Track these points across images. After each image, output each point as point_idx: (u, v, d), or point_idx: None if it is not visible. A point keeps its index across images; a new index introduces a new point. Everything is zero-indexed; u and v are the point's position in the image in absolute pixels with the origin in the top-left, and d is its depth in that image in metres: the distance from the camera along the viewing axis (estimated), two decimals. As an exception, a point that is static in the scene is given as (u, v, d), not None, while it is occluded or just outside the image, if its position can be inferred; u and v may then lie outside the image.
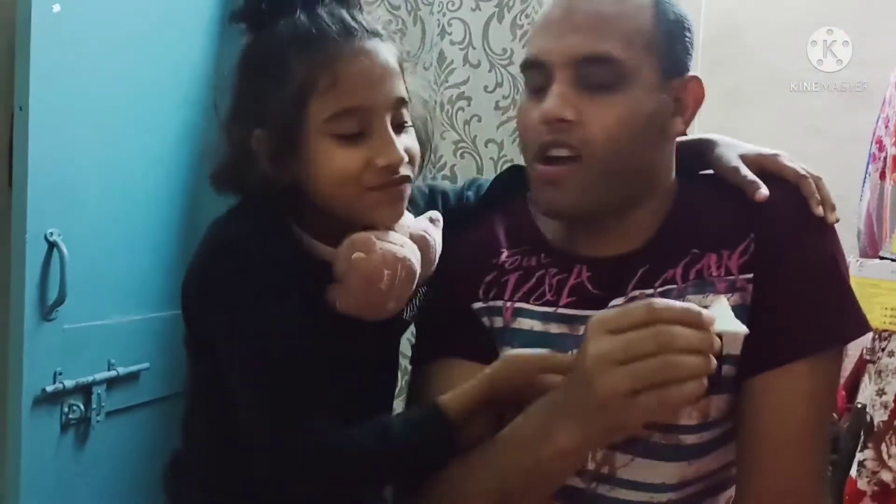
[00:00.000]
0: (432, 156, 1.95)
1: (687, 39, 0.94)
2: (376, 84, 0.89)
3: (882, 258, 1.26)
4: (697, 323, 0.72)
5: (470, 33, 1.94)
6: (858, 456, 1.23)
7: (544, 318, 0.95)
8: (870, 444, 1.22)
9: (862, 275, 1.27)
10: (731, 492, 0.97)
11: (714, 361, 0.72)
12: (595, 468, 0.93)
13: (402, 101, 0.92)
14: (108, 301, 1.68)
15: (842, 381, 1.81)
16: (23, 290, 1.49)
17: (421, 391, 0.99)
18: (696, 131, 2.07)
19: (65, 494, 1.61)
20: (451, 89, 1.94)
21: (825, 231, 0.91)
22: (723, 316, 0.77)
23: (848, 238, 1.61)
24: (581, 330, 0.91)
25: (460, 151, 1.94)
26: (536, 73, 0.92)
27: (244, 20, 0.94)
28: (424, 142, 0.99)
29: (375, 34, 0.92)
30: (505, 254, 1.00)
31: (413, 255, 0.93)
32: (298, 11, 0.90)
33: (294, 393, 0.87)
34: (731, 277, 0.90)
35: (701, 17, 2.05)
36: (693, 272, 0.91)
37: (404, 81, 0.94)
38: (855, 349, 1.62)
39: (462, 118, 1.94)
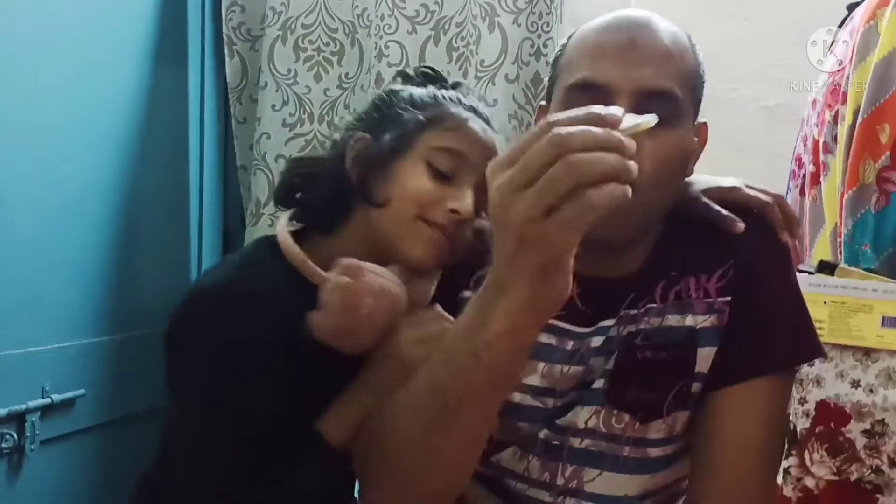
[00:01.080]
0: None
1: (704, 85, 0.99)
2: (482, 151, 0.98)
3: (801, 271, 1.31)
4: (598, 121, 0.63)
5: (407, 56, 1.97)
6: (784, 463, 1.28)
7: None
8: (794, 452, 1.26)
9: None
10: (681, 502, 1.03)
11: (633, 164, 0.62)
12: (563, 483, 0.96)
13: (485, 185, 0.96)
14: (41, 327, 1.64)
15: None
16: (-47, 318, 1.47)
17: None
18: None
19: (-3, 526, 1.57)
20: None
21: (789, 258, 0.98)
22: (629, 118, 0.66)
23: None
24: (569, 344, 0.96)
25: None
26: (590, 95, 0.90)
27: (422, 78, 1.08)
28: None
29: (490, 123, 1.03)
30: None
31: (401, 293, 0.94)
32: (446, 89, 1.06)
33: (219, 460, 0.88)
34: (710, 300, 0.95)
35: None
36: (672, 293, 0.96)
37: None
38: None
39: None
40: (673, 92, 0.91)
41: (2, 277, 1.52)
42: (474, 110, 1.02)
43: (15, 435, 1.59)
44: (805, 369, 1.28)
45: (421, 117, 0.99)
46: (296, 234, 1.00)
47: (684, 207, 1.00)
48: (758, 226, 0.97)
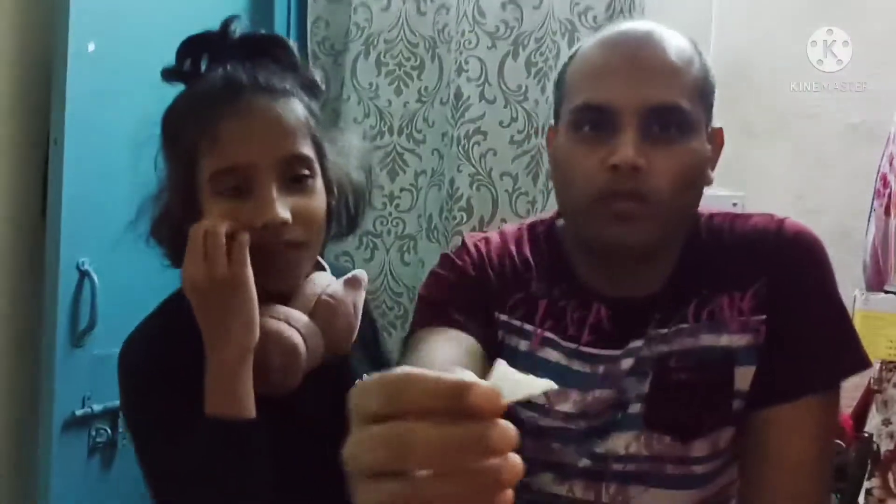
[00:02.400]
0: (450, 188, 2.02)
1: (715, 89, 0.97)
2: (258, 142, 0.89)
3: (887, 292, 1.30)
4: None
5: (486, 71, 2.00)
6: (866, 484, 1.26)
7: (569, 353, 0.97)
8: (876, 473, 1.24)
9: (867, 308, 1.30)
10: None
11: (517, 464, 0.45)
12: (609, 501, 0.96)
13: (295, 159, 0.91)
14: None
15: (850, 410, 1.84)
16: (55, 317, 1.55)
17: (410, 355, 0.94)
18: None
19: (91, 516, 1.65)
20: (468, 124, 2.00)
21: (829, 275, 0.95)
22: (511, 382, 0.49)
23: (856, 271, 1.65)
24: (601, 369, 0.96)
25: (476, 184, 2.00)
26: (596, 116, 0.90)
27: (172, 78, 1.00)
28: (351, 201, 0.99)
29: (272, 91, 0.91)
30: (535, 278, 1.01)
31: (298, 327, 0.92)
32: (206, 69, 0.95)
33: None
34: (744, 318, 0.94)
35: (710, 56, 2.10)
36: (705, 313, 0.95)
37: (316, 140, 0.94)
38: (864, 378, 1.65)
39: (478, 152, 2.00)
40: (679, 105, 0.89)
41: (102, 282, 1.60)
42: (229, 84, 0.91)
43: (109, 430, 1.68)
44: (890, 391, 1.26)
45: (182, 152, 0.92)
46: None
47: (703, 226, 0.99)
48: (791, 242, 0.95)
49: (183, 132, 0.92)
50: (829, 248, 2.03)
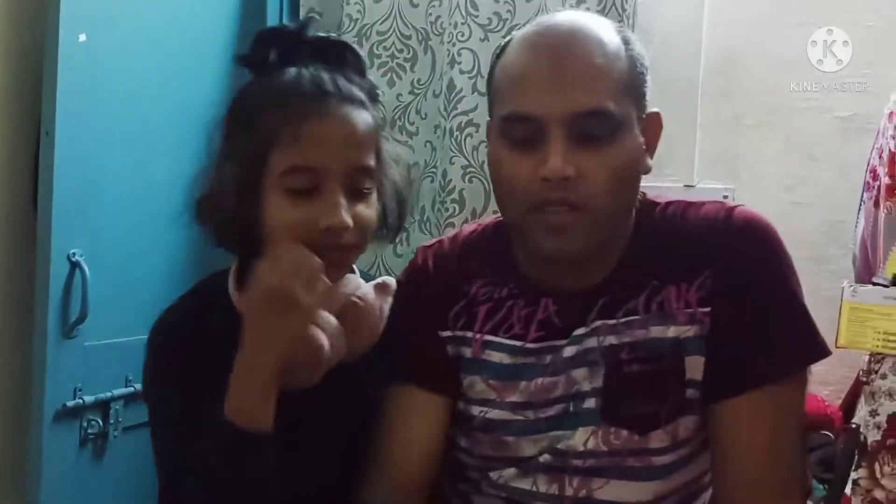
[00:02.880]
0: (442, 180, 2.02)
1: (647, 75, 0.97)
2: (336, 148, 0.92)
3: (875, 284, 1.31)
4: None
5: (479, 63, 2.00)
6: (853, 475, 1.27)
7: (513, 351, 0.99)
8: (864, 464, 1.25)
9: (855, 300, 1.31)
10: (706, 496, 1.02)
11: None
12: (573, 493, 0.96)
13: (363, 170, 0.94)
14: (127, 320, 1.72)
15: (839, 401, 1.86)
16: (46, 308, 1.55)
17: (383, 416, 1.02)
18: (697, 158, 2.13)
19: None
20: (460, 116, 2.00)
21: (780, 263, 0.94)
22: None
23: (846, 263, 1.66)
24: (547, 359, 0.97)
25: (468, 176, 2.00)
26: (524, 126, 0.91)
27: (247, 64, 1.00)
28: (397, 207, 1.02)
29: (351, 100, 0.94)
30: (478, 283, 1.03)
31: (324, 326, 0.93)
32: (292, 67, 0.95)
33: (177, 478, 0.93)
34: (691, 310, 0.94)
35: (702, 48, 2.11)
36: (655, 304, 0.95)
37: (378, 150, 0.97)
38: (853, 370, 1.66)
39: (470, 144, 2.00)
40: (605, 109, 0.89)
41: (93, 274, 1.59)
42: (318, 89, 0.93)
43: (100, 421, 1.68)
44: (877, 382, 1.27)
45: (258, 139, 0.93)
46: (244, 269, 1.00)
47: (657, 216, 0.99)
48: (737, 232, 0.95)
49: (263, 121, 0.93)
50: (818, 240, 2.05)
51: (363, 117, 0.95)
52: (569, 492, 0.96)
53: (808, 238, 1.97)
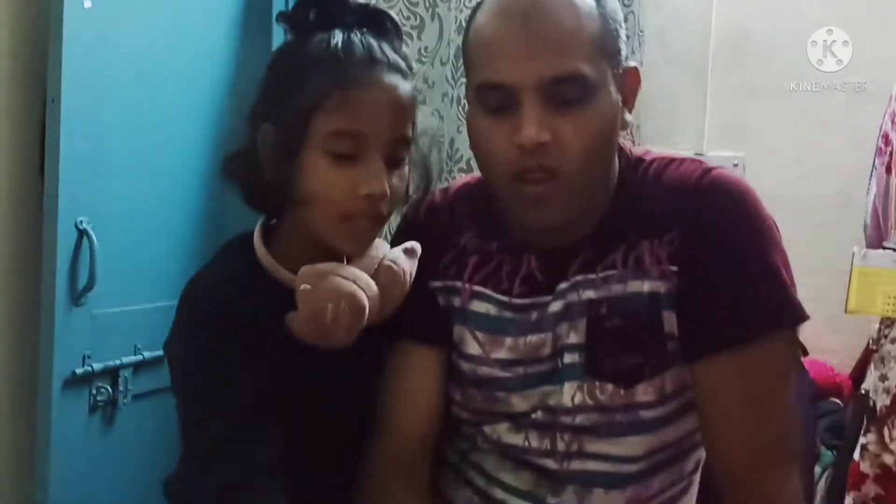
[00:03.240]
0: (450, 149, 2.01)
1: (622, 31, 0.95)
2: (382, 116, 0.93)
3: (886, 248, 1.30)
4: None
5: (486, 29, 1.97)
6: (861, 440, 1.27)
7: (499, 305, 1.00)
8: (872, 429, 1.25)
9: (865, 265, 1.30)
10: (700, 453, 1.03)
11: None
12: (565, 448, 0.97)
13: (403, 140, 0.95)
14: (135, 287, 1.73)
15: (849, 370, 1.85)
16: (53, 276, 1.55)
17: (384, 373, 1.04)
18: (707, 127, 2.11)
19: (93, 473, 1.66)
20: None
21: (750, 225, 0.93)
22: None
23: (857, 231, 1.65)
24: (533, 316, 0.98)
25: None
26: (497, 94, 0.91)
27: (290, 23, 0.99)
28: (422, 179, 1.03)
29: (398, 70, 0.95)
30: (467, 235, 1.04)
31: (365, 289, 0.95)
32: (337, 30, 0.95)
33: (217, 462, 0.91)
34: (662, 266, 0.94)
35: (713, 16, 2.09)
36: (632, 258, 0.96)
37: (414, 122, 0.97)
38: (862, 339, 1.66)
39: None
40: (578, 72, 0.88)
41: (100, 242, 1.59)
42: (369, 56, 0.93)
43: (109, 389, 1.69)
44: (886, 347, 1.26)
45: (304, 100, 0.92)
46: (269, 230, 1.01)
47: (639, 172, 0.99)
48: (707, 193, 0.94)
49: (311, 83, 0.93)
50: (829, 208, 2.04)
51: (407, 87, 0.95)
52: (560, 447, 0.98)
53: (819, 206, 1.96)
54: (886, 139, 1.46)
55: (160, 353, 1.72)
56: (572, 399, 0.96)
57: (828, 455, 1.66)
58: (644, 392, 0.95)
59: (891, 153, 1.43)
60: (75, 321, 1.59)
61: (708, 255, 0.93)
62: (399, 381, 1.02)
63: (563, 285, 0.97)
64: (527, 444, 0.99)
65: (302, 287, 0.92)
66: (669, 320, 0.94)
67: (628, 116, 0.97)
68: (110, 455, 1.70)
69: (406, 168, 0.99)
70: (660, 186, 0.97)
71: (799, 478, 0.93)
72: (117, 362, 1.69)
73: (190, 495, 0.94)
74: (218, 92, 1.91)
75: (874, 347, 1.40)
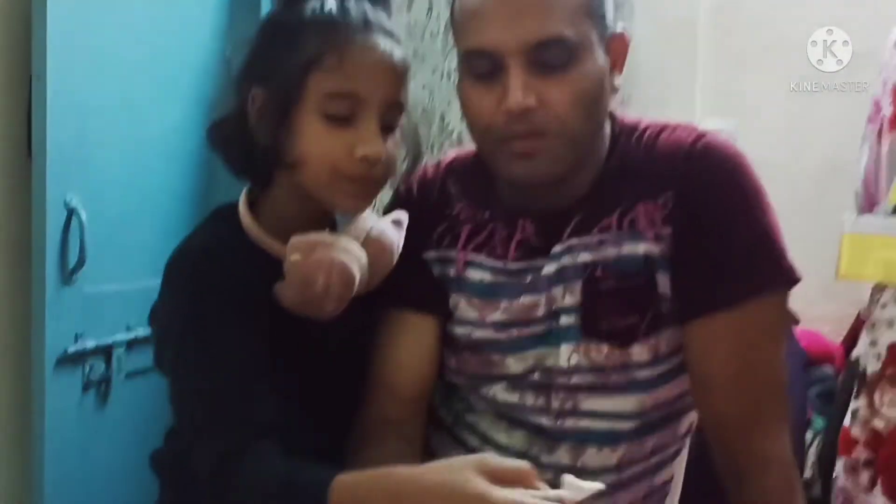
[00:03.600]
0: (441, 123, 2.00)
1: None
2: (378, 78, 0.93)
3: (876, 214, 1.30)
4: None
5: (476, 2, 1.96)
6: (852, 405, 1.27)
7: (494, 271, 1.01)
8: (863, 394, 1.25)
9: (856, 230, 1.30)
10: (693, 416, 1.05)
11: None
12: (559, 405, 0.99)
13: (397, 105, 0.96)
14: (126, 265, 1.72)
15: (840, 339, 1.85)
16: (43, 255, 1.54)
17: (377, 339, 1.05)
18: (698, 96, 2.10)
19: (87, 451, 1.66)
20: (458, 57, 1.97)
21: (741, 188, 0.95)
22: (574, 489, 0.75)
23: (848, 199, 1.65)
24: (528, 278, 0.99)
25: (467, 118, 1.98)
26: (483, 60, 0.93)
27: None
28: (412, 150, 1.03)
29: (393, 35, 0.96)
30: (459, 205, 1.05)
31: (355, 259, 0.94)
32: None
33: (217, 426, 0.91)
34: (656, 228, 0.96)
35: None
36: (627, 221, 0.97)
37: (406, 90, 0.98)
38: (855, 308, 1.66)
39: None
40: (561, 35, 0.90)
41: (90, 220, 1.59)
42: (365, 19, 0.94)
43: (103, 367, 1.68)
44: (877, 312, 1.26)
45: (300, 60, 0.92)
46: (255, 200, 1.01)
47: (633, 137, 1.00)
48: (699, 157, 0.95)
49: (305, 44, 0.93)
50: (821, 176, 2.04)
51: (401, 53, 0.96)
52: (555, 404, 0.99)
53: (811, 175, 1.96)
54: (878, 106, 1.46)
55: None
56: (568, 360, 0.97)
57: (819, 422, 1.67)
58: (639, 352, 0.96)
59: (882, 120, 1.43)
60: (67, 299, 1.58)
61: (701, 218, 0.94)
62: (394, 347, 1.03)
63: (557, 248, 0.98)
64: (522, 402, 1.01)
65: (292, 257, 0.91)
66: (664, 281, 0.95)
67: (618, 80, 0.98)
68: (104, 433, 1.70)
69: (398, 135, 0.99)
70: (653, 151, 0.98)
71: (788, 436, 0.94)
72: (110, 340, 1.69)
73: (188, 466, 0.93)
74: (207, 69, 1.89)
75: (866, 315, 1.40)
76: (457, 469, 0.74)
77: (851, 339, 1.66)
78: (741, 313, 0.92)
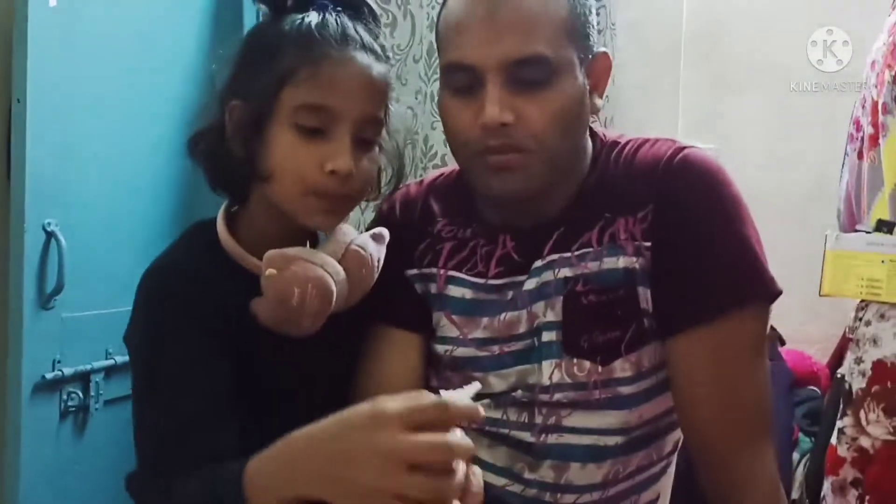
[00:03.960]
0: (424, 146, 2.01)
1: (593, 17, 0.98)
2: (352, 92, 0.92)
3: (858, 231, 1.29)
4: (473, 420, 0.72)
5: (459, 26, 1.97)
6: (838, 424, 1.26)
7: (475, 287, 1.01)
8: (849, 412, 1.24)
9: (839, 248, 1.30)
10: (678, 434, 1.03)
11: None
12: (542, 421, 0.97)
13: (373, 120, 0.95)
14: (105, 291, 1.70)
15: (826, 359, 1.85)
16: (21, 279, 1.52)
17: (361, 356, 1.04)
18: (680, 120, 2.11)
19: (64, 479, 1.63)
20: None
21: (722, 201, 0.94)
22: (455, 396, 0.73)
23: (831, 219, 1.65)
24: (509, 295, 0.99)
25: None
26: (462, 75, 0.93)
27: (266, 3, 0.98)
28: (395, 169, 1.02)
29: (372, 51, 0.95)
30: (441, 223, 1.05)
31: (333, 274, 0.93)
32: (313, 10, 0.95)
33: (167, 449, 0.89)
34: (637, 242, 0.95)
35: (684, 10, 2.09)
36: (607, 236, 0.96)
37: (387, 107, 0.97)
38: (840, 328, 1.65)
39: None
40: (541, 55, 0.90)
41: (69, 244, 1.57)
42: (343, 33, 0.93)
43: (80, 394, 1.65)
44: (861, 329, 1.26)
45: (276, 73, 0.92)
46: (233, 216, 1.00)
47: (614, 152, 1.00)
48: (680, 172, 0.95)
49: (282, 57, 0.92)
50: (803, 200, 2.04)
51: (381, 69, 0.95)
52: (538, 420, 0.98)
53: (793, 198, 1.97)
54: (857, 125, 1.46)
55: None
56: (550, 377, 0.96)
57: (806, 442, 1.66)
58: (621, 368, 0.95)
59: (862, 138, 1.43)
60: (45, 325, 1.56)
61: (680, 231, 0.94)
62: (378, 365, 1.02)
63: (538, 263, 0.98)
64: (505, 417, 0.99)
65: (268, 272, 0.90)
66: (645, 296, 0.95)
67: (598, 101, 0.98)
68: (82, 462, 1.67)
69: (377, 152, 0.98)
70: (634, 165, 0.98)
71: (773, 453, 0.93)
72: (88, 367, 1.66)
73: (151, 491, 0.91)
74: (188, 91, 1.89)
75: (850, 336, 1.40)
76: (345, 411, 0.74)
77: (837, 359, 1.65)
78: (722, 327, 0.91)
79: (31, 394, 1.55)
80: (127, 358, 1.65)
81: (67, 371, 1.61)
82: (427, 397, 0.70)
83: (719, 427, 0.92)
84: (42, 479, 1.57)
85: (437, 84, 1.94)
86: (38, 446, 1.56)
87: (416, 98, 2.05)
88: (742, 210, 0.95)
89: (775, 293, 0.94)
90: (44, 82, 1.52)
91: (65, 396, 1.63)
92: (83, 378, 1.66)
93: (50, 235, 1.56)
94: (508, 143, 0.91)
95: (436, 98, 1.96)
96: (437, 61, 1.94)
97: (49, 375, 1.57)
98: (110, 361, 1.71)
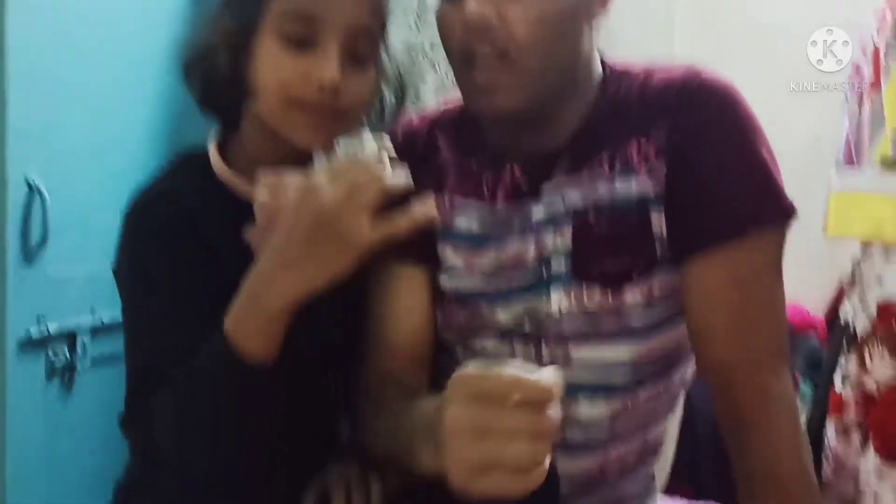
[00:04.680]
0: (414, 98, 1.97)
1: None
2: (341, 1, 0.88)
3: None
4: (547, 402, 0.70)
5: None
6: (841, 368, 1.25)
7: (481, 216, 0.98)
8: (853, 354, 1.23)
9: (842, 187, 1.29)
10: (687, 371, 1.01)
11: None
12: (549, 354, 0.95)
13: (365, 32, 0.90)
14: (91, 246, 1.66)
15: (822, 313, 1.85)
16: (4, 234, 1.49)
17: (371, 296, 1.01)
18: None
19: (52, 441, 1.61)
20: (433, 30, 1.95)
21: (737, 122, 0.92)
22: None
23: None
24: (515, 222, 0.96)
25: (442, 94, 1.95)
26: None
27: None
28: (397, 93, 0.99)
29: None
30: (446, 154, 1.02)
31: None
32: None
33: (151, 372, 0.87)
34: (649, 163, 0.92)
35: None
36: (619, 159, 0.93)
37: (383, 22, 0.94)
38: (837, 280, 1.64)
39: (444, 60, 1.94)
40: None
41: (53, 199, 1.54)
42: None
43: (67, 354, 1.62)
44: (865, 269, 1.24)
45: None
46: (225, 142, 0.97)
47: (625, 77, 0.97)
48: (696, 92, 0.92)
49: None
50: (802, 157, 2.00)
51: None
52: (545, 353, 0.96)
53: (791, 156, 1.94)
54: (858, 71, 1.45)
55: (119, 317, 1.71)
56: (559, 305, 0.94)
57: (806, 388, 1.66)
58: (632, 295, 0.92)
59: (863, 84, 1.41)
60: (29, 280, 1.53)
61: (696, 152, 0.91)
62: (389, 303, 0.99)
63: (547, 185, 0.95)
64: (512, 353, 0.97)
65: (260, 199, 0.86)
66: (658, 221, 0.92)
67: (599, 6, 0.93)
68: (70, 422, 1.64)
69: (371, 72, 0.93)
70: (646, 89, 0.95)
71: (790, 376, 0.91)
72: (74, 324, 1.63)
73: (142, 411, 0.89)
74: (172, 48, 1.84)
75: (847, 286, 1.39)
76: None
77: (833, 311, 1.64)
78: (739, 248, 0.89)
79: (16, 351, 1.52)
80: (114, 316, 1.67)
81: (53, 328, 1.57)
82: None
83: (738, 348, 0.90)
84: (30, 440, 1.54)
85: (429, 35, 1.94)
86: (25, 406, 1.54)
87: (409, 52, 2.02)
88: (759, 132, 0.92)
89: (791, 214, 0.91)
90: (26, 36, 1.49)
91: (51, 355, 1.60)
92: (70, 337, 1.63)
93: (33, 189, 1.52)
94: (494, 46, 0.86)
95: (426, 51, 1.95)
96: (430, 12, 1.94)
97: (35, 333, 1.54)
98: (97, 319, 1.67)
